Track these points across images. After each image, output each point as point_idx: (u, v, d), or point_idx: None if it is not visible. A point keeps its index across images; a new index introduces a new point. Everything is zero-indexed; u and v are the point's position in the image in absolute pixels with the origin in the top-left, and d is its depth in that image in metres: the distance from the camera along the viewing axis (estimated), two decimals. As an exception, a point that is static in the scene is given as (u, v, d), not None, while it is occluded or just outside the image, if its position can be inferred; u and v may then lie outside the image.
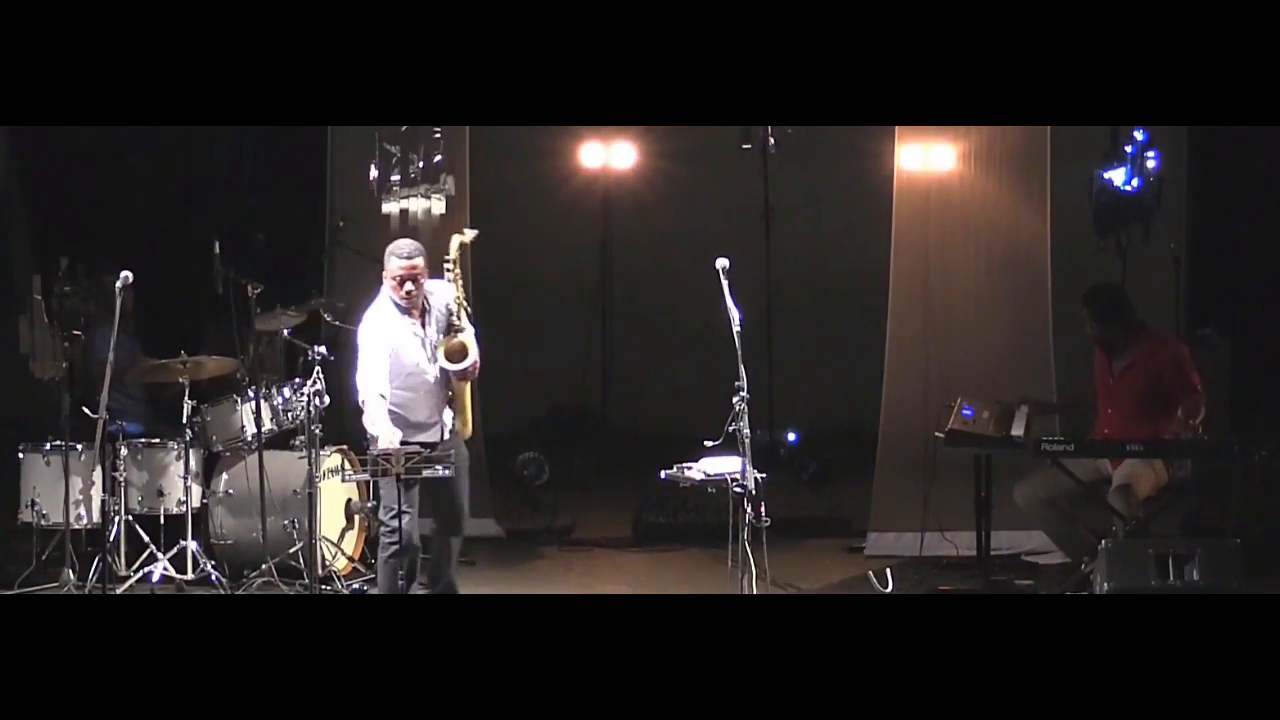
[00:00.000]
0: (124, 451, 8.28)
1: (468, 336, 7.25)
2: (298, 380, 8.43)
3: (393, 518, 7.03)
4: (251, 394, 8.24)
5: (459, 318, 7.25)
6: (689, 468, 7.01)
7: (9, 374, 8.89)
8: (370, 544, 8.67)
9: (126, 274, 7.51)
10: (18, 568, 8.11)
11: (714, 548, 7.90)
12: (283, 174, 10.69)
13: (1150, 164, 10.17)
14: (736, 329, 7.62)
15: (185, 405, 8.24)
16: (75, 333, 8.15)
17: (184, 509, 8.22)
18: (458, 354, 7.23)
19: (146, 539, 8.17)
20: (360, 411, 7.15)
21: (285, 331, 8.57)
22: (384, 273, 7.22)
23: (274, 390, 8.45)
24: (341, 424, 8.83)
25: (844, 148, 10.87)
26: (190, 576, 8.07)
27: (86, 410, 7.78)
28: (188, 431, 8.26)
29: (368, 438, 7.13)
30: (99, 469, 7.98)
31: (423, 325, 7.25)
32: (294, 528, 8.18)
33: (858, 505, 9.57)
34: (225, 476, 8.45)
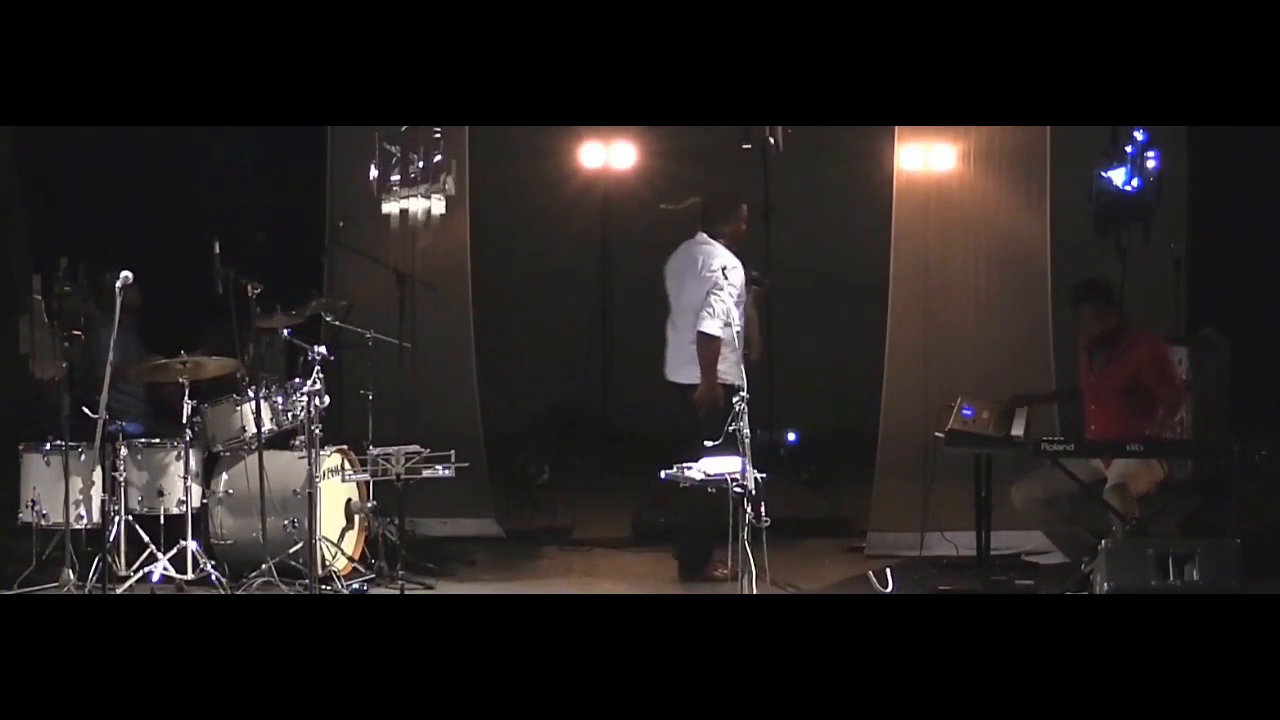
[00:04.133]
0: (124, 451, 8.26)
1: None
2: (298, 380, 8.43)
3: None
4: (251, 394, 8.24)
5: None
6: (689, 468, 7.01)
7: (9, 374, 8.87)
8: (370, 544, 8.67)
9: (126, 274, 7.51)
10: (18, 568, 8.10)
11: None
12: (283, 174, 10.68)
13: (1150, 164, 10.17)
14: (737, 329, 7.63)
15: (185, 405, 8.24)
16: (75, 333, 8.12)
17: (184, 509, 8.21)
18: None
19: (146, 539, 8.15)
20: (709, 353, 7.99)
21: (285, 331, 8.57)
22: (738, 218, 8.55)
23: (274, 390, 8.45)
24: (341, 424, 8.85)
25: (844, 148, 10.87)
26: (190, 576, 8.06)
27: (86, 410, 7.77)
28: (188, 431, 8.25)
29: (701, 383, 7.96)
30: (99, 469, 7.97)
31: None
32: (294, 528, 8.18)
33: (858, 505, 9.56)
34: (225, 476, 8.44)
